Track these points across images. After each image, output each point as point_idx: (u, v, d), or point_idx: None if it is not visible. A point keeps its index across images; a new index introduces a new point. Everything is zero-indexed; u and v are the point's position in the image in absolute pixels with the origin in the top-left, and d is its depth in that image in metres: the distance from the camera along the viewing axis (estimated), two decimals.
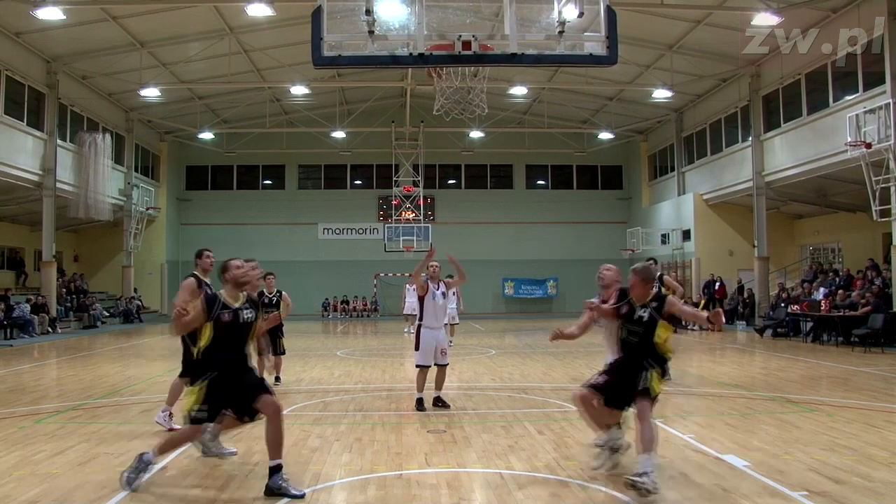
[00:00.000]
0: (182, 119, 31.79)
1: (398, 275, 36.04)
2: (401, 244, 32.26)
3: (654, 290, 6.15)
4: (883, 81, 18.10)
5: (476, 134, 33.59)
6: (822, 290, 20.90)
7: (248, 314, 5.83)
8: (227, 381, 5.68)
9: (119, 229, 30.29)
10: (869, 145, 17.62)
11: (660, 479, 5.54)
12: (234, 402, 5.71)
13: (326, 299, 35.18)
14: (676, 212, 30.71)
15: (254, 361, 10.71)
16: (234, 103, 31.03)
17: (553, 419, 8.69)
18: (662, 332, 5.97)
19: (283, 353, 11.60)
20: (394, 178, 33.95)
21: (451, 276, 9.86)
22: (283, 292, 11.49)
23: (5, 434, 7.89)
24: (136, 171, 31.02)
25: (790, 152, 22.93)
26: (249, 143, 34.52)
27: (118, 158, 29.37)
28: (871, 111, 17.82)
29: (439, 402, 9.35)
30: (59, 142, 24.34)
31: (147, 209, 30.94)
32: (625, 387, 5.91)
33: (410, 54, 6.49)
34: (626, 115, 32.00)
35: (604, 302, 6.49)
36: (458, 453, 7.00)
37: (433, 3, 6.64)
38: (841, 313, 18.21)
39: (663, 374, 6.05)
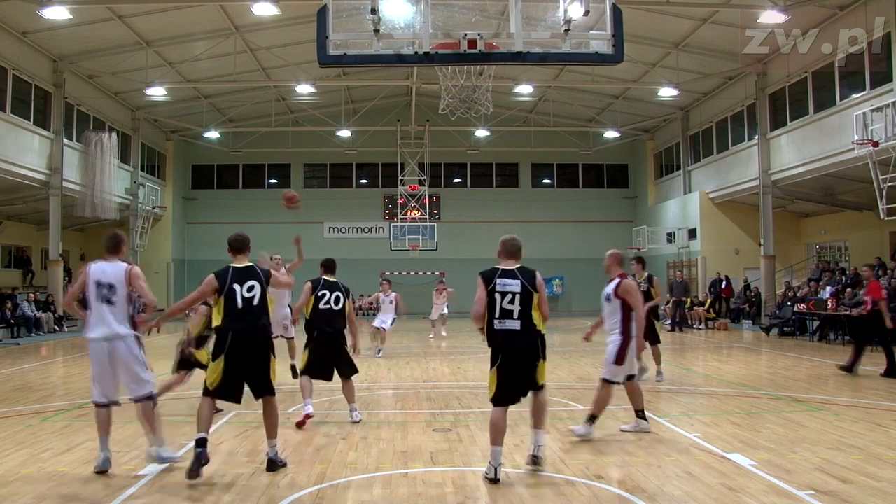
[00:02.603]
0: (188, 118, 31.86)
1: (404, 274, 36.04)
2: (406, 243, 32.24)
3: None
4: (890, 79, 18.02)
5: (482, 132, 33.54)
6: (829, 288, 20.81)
7: None
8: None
9: (125, 228, 30.28)
10: (876, 143, 17.52)
11: (666, 478, 5.51)
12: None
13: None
14: (682, 210, 30.64)
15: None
16: (240, 102, 31.08)
17: (558, 418, 8.67)
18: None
19: None
20: (399, 177, 33.90)
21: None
22: None
23: (13, 432, 7.93)
24: (143, 170, 31.10)
25: (797, 151, 22.84)
26: (255, 142, 34.56)
27: (124, 157, 29.45)
28: (879, 109, 17.73)
29: None
30: (65, 141, 24.40)
31: (153, 208, 31.01)
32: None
33: (416, 53, 6.49)
34: (631, 113, 31.94)
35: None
36: (464, 452, 7.01)
37: (439, 2, 6.63)
38: (848, 312, 18.13)
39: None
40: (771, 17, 18.11)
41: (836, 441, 7.25)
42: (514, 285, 5.94)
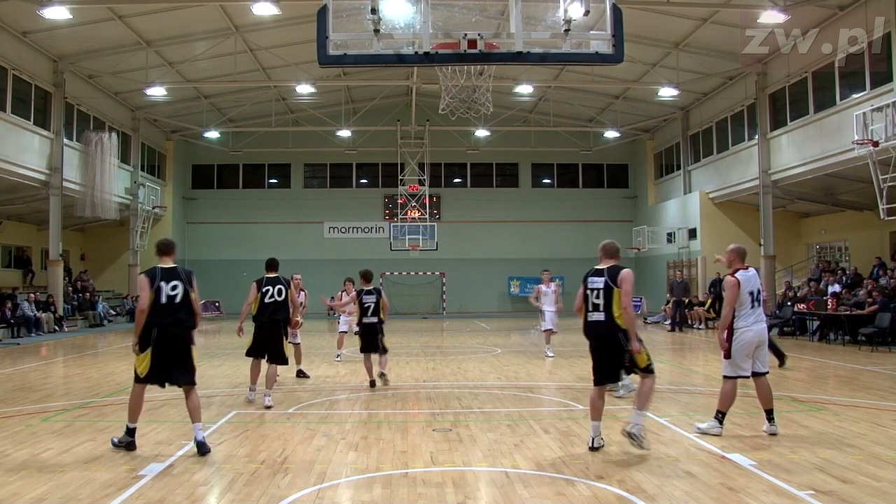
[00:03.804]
0: (188, 118, 31.86)
1: (404, 274, 36.04)
2: (406, 243, 32.23)
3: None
4: (890, 79, 18.01)
5: (482, 132, 33.53)
6: (836, 286, 20.70)
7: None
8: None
9: (125, 228, 30.37)
10: (876, 143, 17.51)
11: (666, 478, 5.52)
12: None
13: (332, 298, 35.14)
14: (682, 210, 30.63)
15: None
16: (240, 102, 31.07)
17: (559, 418, 8.68)
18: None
19: None
20: (399, 177, 33.86)
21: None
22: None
23: (13, 432, 7.93)
24: (143, 169, 31.09)
25: (797, 151, 22.83)
26: (255, 141, 34.56)
27: (124, 157, 29.46)
28: (879, 109, 17.71)
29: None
30: (65, 141, 24.40)
31: (153, 208, 31.00)
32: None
33: (416, 53, 6.48)
34: (632, 113, 31.94)
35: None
36: (464, 452, 7.00)
37: (439, 2, 6.63)
38: (848, 312, 18.14)
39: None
40: (771, 17, 18.11)
41: (837, 441, 7.25)
42: (599, 282, 6.79)
